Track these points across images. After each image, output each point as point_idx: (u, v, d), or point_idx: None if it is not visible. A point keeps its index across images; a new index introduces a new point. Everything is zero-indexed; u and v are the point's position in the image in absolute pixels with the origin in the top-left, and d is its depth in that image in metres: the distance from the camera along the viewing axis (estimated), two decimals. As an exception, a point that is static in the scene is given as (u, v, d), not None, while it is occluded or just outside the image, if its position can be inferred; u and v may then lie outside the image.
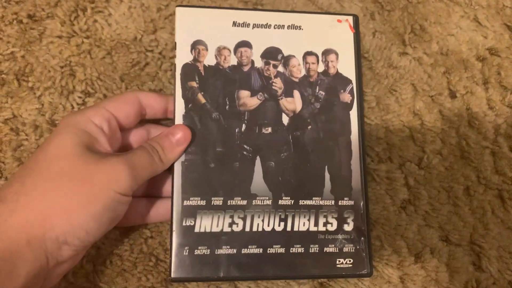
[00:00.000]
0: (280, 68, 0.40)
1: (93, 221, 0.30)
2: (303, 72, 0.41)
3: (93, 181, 0.30)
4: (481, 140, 0.45)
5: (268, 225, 0.38)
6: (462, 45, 0.48)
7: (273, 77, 0.40)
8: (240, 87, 0.40)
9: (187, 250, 0.36)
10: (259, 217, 0.38)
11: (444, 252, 0.42)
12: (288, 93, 0.40)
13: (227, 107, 0.39)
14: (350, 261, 0.38)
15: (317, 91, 0.41)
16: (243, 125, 0.39)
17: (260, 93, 0.40)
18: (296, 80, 0.41)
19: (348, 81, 0.41)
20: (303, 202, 0.38)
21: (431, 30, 0.48)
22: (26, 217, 0.28)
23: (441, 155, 0.45)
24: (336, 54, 0.42)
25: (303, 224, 0.38)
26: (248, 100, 0.40)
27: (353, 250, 0.38)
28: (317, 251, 0.38)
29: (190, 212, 0.37)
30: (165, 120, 0.42)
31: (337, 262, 0.38)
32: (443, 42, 0.48)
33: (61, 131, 0.32)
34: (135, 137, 0.38)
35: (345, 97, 0.41)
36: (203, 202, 0.37)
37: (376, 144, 0.44)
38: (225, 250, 0.37)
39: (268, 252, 0.37)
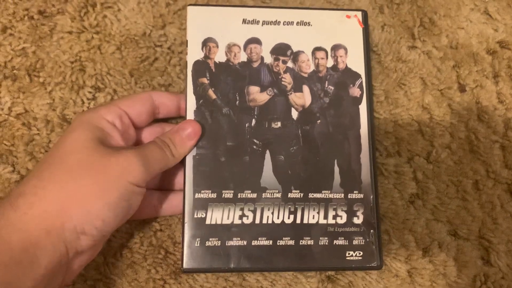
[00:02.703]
0: (290, 64, 0.41)
1: (108, 210, 0.31)
2: (312, 68, 0.41)
3: (108, 172, 0.31)
4: (491, 134, 0.45)
5: (278, 218, 0.38)
6: (472, 38, 0.47)
7: (282, 73, 0.41)
8: (250, 83, 0.40)
9: (199, 242, 0.37)
10: (268, 210, 0.38)
11: (452, 246, 0.42)
12: (297, 88, 0.41)
13: (237, 102, 0.40)
14: (360, 253, 0.38)
15: (326, 85, 0.41)
16: (253, 120, 0.40)
17: (270, 88, 0.40)
18: (305, 75, 0.41)
19: (357, 75, 0.42)
20: (313, 195, 0.39)
21: (441, 24, 0.47)
22: (45, 208, 0.29)
23: (450, 149, 0.44)
24: (345, 49, 0.42)
25: (312, 217, 0.38)
26: (258, 95, 0.40)
27: (362, 243, 0.38)
28: (326, 243, 0.38)
29: (202, 205, 0.37)
30: (180, 119, 0.42)
31: (347, 255, 0.38)
32: (452, 36, 0.47)
33: (75, 127, 0.33)
34: (150, 135, 0.39)
35: (355, 91, 0.41)
36: (214, 195, 0.38)
37: (385, 138, 0.44)
38: (235, 242, 0.37)
39: (277, 244, 0.37)
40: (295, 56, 0.41)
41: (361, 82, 0.41)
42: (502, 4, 0.48)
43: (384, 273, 0.41)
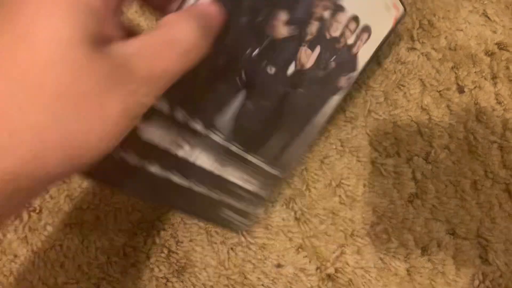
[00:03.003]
0: (326, 14, 0.33)
1: (105, 148, 0.21)
2: (338, 33, 0.35)
3: (108, 102, 0.20)
4: (489, 134, 0.46)
5: (208, 164, 0.34)
6: (470, 40, 0.48)
7: (316, 18, 0.33)
8: (281, 8, 0.31)
9: (119, 153, 0.29)
10: (206, 151, 0.33)
11: (451, 245, 0.43)
12: (312, 45, 0.34)
13: (257, 19, 0.31)
14: (237, 217, 0.38)
15: (332, 59, 0.36)
16: (257, 50, 0.32)
17: (295, 27, 0.32)
18: (328, 37, 0.34)
19: (354, 68, 0.37)
20: (248, 155, 0.36)
21: (440, 25, 0.48)
22: (14, 161, 0.19)
23: (448, 150, 0.45)
24: (369, 36, 0.36)
25: (233, 175, 0.36)
26: (281, 27, 0.32)
27: (245, 208, 0.38)
28: (218, 198, 0.36)
29: (148, 112, 0.26)
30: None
31: (226, 212, 0.37)
32: (451, 37, 0.48)
33: (54, 15, 0.19)
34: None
35: (342, 81, 0.37)
36: (165, 108, 0.30)
37: (384, 138, 0.45)
38: (155, 169, 0.31)
39: (191, 187, 0.34)
40: (335, 11, 0.33)
41: (352, 76, 0.37)
42: (500, 6, 0.49)
43: (383, 272, 0.42)
